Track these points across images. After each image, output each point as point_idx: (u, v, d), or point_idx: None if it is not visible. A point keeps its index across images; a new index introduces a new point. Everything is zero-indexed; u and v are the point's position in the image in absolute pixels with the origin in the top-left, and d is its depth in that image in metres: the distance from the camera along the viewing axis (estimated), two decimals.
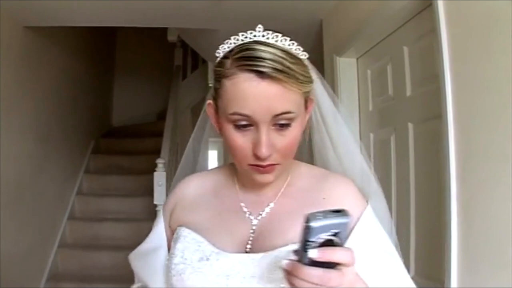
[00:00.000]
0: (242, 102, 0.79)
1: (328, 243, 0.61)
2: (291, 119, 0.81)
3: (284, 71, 0.77)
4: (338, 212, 0.61)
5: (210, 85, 4.66)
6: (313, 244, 0.61)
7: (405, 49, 2.13)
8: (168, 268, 0.88)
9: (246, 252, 0.86)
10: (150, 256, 0.99)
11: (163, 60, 5.85)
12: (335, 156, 1.00)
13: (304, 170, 0.96)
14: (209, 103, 0.92)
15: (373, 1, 2.22)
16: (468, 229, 1.47)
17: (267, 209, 0.91)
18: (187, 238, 0.89)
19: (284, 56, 0.79)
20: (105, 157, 5.17)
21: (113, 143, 5.49)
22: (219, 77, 0.85)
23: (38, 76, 3.56)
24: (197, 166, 1.12)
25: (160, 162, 3.63)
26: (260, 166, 0.82)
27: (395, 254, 0.90)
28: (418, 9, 1.94)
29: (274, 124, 0.80)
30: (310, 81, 0.85)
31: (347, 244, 0.66)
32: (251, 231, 0.89)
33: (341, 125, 1.01)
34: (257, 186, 0.91)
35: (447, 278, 1.52)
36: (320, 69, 3.14)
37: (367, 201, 0.92)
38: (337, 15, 2.83)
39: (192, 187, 1.00)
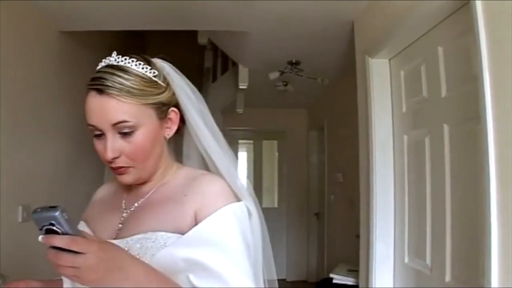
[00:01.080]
0: (88, 115, 0.96)
1: (52, 231, 0.77)
2: (132, 127, 0.95)
3: (117, 88, 0.93)
4: (54, 207, 0.76)
5: (241, 87, 4.70)
6: (41, 232, 0.78)
7: (440, 49, 2.09)
8: None
9: (113, 239, 0.98)
10: None
11: (193, 62, 5.88)
12: (208, 158, 1.08)
13: (183, 171, 1.08)
14: None
15: (406, 1, 2.18)
16: (508, 233, 1.43)
17: (136, 204, 1.05)
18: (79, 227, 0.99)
19: (121, 74, 0.95)
20: None
21: None
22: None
23: (73, 78, 3.65)
24: None
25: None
26: (113, 168, 0.99)
27: (230, 257, 0.91)
28: (454, 8, 1.91)
29: (119, 132, 0.95)
30: (150, 94, 0.97)
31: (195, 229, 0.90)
32: (120, 222, 1.03)
33: (203, 129, 1.07)
34: (133, 186, 1.07)
35: (487, 282, 1.48)
36: (352, 70, 3.14)
37: (235, 202, 0.98)
38: (369, 15, 2.81)
39: (100, 191, 1.24)
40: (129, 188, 1.09)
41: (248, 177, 7.43)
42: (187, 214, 0.95)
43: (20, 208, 2.92)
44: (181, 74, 1.07)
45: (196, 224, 0.92)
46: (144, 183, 1.06)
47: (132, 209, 1.05)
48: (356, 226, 3.14)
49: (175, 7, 2.90)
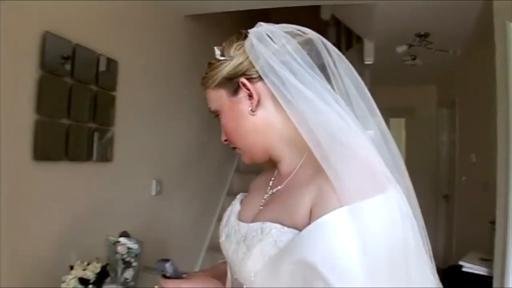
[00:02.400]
0: None
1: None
2: (216, 112, 1.01)
3: (202, 83, 1.01)
4: (167, 260, 0.99)
5: (366, 62, 4.55)
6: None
7: None
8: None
9: (251, 221, 0.94)
10: None
11: None
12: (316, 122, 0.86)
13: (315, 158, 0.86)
14: None
15: None
16: None
17: (279, 187, 0.97)
18: (232, 204, 1.10)
19: (206, 70, 1.00)
20: None
21: None
22: None
23: (199, 62, 3.82)
24: None
25: None
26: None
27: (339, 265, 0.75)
28: None
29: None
30: (212, 76, 0.97)
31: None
32: (261, 204, 0.99)
33: (299, 86, 0.87)
34: (278, 166, 1.00)
35: None
36: (488, 39, 2.86)
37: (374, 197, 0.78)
38: None
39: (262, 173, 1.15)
40: (278, 169, 1.01)
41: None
42: (303, 208, 0.83)
43: (154, 182, 3.17)
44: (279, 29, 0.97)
45: (309, 223, 0.80)
46: (283, 164, 0.97)
47: (274, 191, 0.98)
48: (490, 211, 2.89)
49: None
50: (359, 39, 4.85)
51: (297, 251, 0.77)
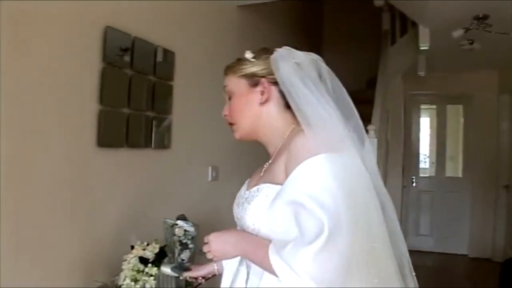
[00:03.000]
0: None
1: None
2: (230, 92, 1.39)
3: (226, 69, 1.42)
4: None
5: (422, 48, 4.45)
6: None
7: None
8: None
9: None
10: None
11: (370, 26, 5.75)
12: (300, 113, 1.23)
13: (299, 132, 1.22)
14: None
15: None
16: None
17: (268, 163, 1.33)
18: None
19: (234, 63, 1.39)
20: None
21: None
22: None
23: (251, 49, 3.88)
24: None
25: (371, 129, 3.63)
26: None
27: (317, 202, 1.06)
28: None
29: (228, 97, 1.40)
30: (242, 69, 1.35)
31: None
32: (259, 177, 1.33)
33: (296, 82, 1.24)
34: (268, 149, 1.39)
35: None
36: None
37: (320, 154, 1.10)
38: None
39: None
40: (268, 152, 1.37)
41: (430, 144, 7.09)
42: (280, 167, 1.20)
43: (209, 168, 3.28)
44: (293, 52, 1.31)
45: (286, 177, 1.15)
46: (270, 147, 1.35)
47: (266, 167, 1.34)
48: None
49: None
50: (414, 25, 4.74)
51: (287, 193, 1.12)
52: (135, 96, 2.42)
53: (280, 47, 1.32)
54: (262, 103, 1.31)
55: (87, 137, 2.15)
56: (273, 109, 1.32)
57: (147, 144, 2.57)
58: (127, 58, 2.36)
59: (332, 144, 1.13)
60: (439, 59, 5.31)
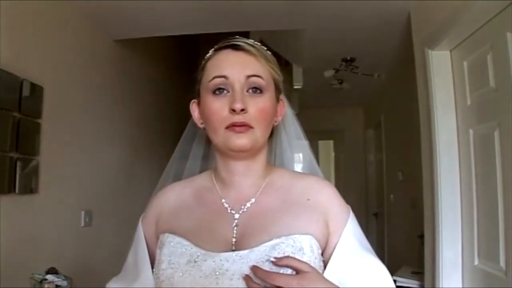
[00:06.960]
0: (219, 67, 0.93)
1: None
2: (262, 86, 0.92)
3: (255, 47, 0.95)
4: None
5: (295, 87, 4.64)
6: None
7: (509, 35, 1.95)
8: (156, 275, 0.91)
9: (233, 250, 0.87)
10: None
11: None
12: (291, 157, 1.13)
13: (283, 171, 1.05)
14: (193, 102, 1.02)
15: None
16: None
17: (248, 204, 0.94)
18: (172, 243, 0.91)
19: (259, 45, 0.97)
20: None
21: None
22: (203, 65, 0.99)
23: (127, 85, 3.73)
24: (183, 174, 1.13)
25: None
26: (235, 125, 0.88)
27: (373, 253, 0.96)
28: None
29: (248, 90, 0.91)
30: (277, 69, 0.98)
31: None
32: (235, 226, 0.91)
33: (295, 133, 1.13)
34: (227, 183, 0.97)
35: None
36: (410, 64, 3.01)
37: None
38: (427, 5, 2.68)
39: (172, 198, 1.03)
40: (220, 186, 0.99)
41: None
42: (319, 219, 0.93)
43: (82, 213, 3.02)
44: None
45: (328, 232, 0.94)
46: (247, 180, 0.97)
47: (244, 209, 0.94)
48: (418, 226, 3.00)
49: (228, 8, 2.89)
50: (288, 64, 4.96)
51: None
52: None
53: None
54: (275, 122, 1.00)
55: None
56: (279, 134, 1.10)
57: (10, 189, 2.28)
58: None
59: None
60: (311, 97, 5.60)
